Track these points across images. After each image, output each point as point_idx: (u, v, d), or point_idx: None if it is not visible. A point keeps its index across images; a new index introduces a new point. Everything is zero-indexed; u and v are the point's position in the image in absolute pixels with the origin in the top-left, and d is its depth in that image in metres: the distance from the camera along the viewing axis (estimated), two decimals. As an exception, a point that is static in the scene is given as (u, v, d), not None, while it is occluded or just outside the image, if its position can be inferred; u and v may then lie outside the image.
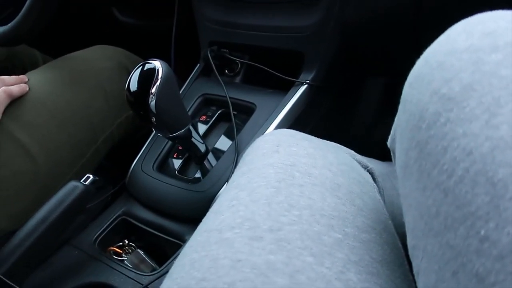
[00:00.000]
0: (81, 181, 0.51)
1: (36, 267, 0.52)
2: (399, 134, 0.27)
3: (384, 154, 0.63)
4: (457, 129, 0.20)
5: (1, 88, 0.57)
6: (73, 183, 0.50)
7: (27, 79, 0.63)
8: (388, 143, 0.30)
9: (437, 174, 0.21)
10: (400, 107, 0.27)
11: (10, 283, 0.44)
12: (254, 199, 0.32)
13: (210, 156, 0.60)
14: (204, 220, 0.35)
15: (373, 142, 0.86)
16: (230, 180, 0.38)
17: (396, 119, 0.28)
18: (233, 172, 0.44)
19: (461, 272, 0.18)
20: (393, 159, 0.30)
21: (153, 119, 0.48)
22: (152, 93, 0.46)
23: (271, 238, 0.29)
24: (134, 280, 0.49)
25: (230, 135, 0.64)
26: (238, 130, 0.61)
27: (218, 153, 0.61)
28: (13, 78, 0.61)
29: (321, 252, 0.28)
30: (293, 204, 0.31)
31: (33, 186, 0.57)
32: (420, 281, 0.22)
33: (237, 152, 0.56)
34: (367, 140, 0.82)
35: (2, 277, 0.44)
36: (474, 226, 0.18)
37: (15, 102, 0.59)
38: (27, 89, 0.61)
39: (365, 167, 0.43)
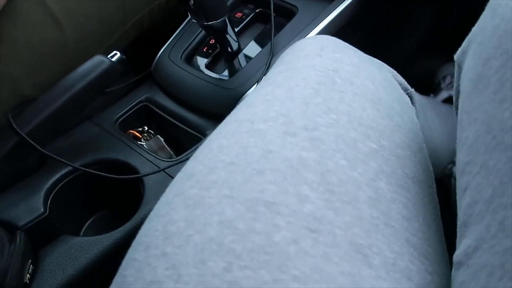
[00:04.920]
0: (108, 56, 0.49)
1: (57, 135, 0.53)
2: (477, 44, 0.24)
3: (419, 88, 0.61)
4: None
5: None
6: (100, 57, 0.49)
7: None
8: (456, 56, 0.28)
9: None
10: (486, 13, 0.24)
11: (32, 142, 0.45)
12: (291, 96, 0.31)
13: (241, 56, 0.58)
14: (234, 111, 0.34)
15: (411, 74, 0.82)
16: (265, 77, 0.37)
17: (474, 29, 0.26)
18: (264, 74, 0.42)
19: None
20: (456, 75, 0.27)
21: (191, 2, 0.45)
22: (193, -28, 0.43)
23: (305, 135, 0.28)
24: (152, 163, 0.49)
25: (263, 38, 0.60)
26: (274, 33, 0.57)
27: (248, 55, 0.59)
28: None
29: (354, 158, 0.27)
30: (331, 108, 0.30)
31: (59, 57, 0.56)
32: (467, 197, 0.21)
33: (272, 54, 0.53)
34: (406, 70, 0.78)
35: (25, 136, 0.44)
36: None
37: None
38: None
39: (406, 90, 0.42)
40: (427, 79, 0.92)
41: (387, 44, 0.75)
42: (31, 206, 0.44)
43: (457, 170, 0.23)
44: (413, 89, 0.42)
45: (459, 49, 0.27)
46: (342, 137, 0.28)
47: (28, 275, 0.39)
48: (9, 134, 0.46)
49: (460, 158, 0.23)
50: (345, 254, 0.22)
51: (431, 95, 0.89)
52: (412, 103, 0.42)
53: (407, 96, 0.41)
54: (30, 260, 0.40)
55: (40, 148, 0.45)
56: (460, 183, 0.22)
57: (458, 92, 0.26)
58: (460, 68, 0.27)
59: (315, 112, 0.30)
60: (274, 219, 0.23)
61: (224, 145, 0.29)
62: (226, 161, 0.27)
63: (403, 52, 0.82)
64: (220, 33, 0.52)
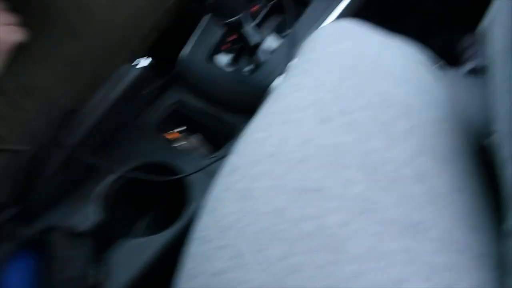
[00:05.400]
0: (138, 62, 0.52)
1: (101, 144, 0.55)
2: (506, 12, 0.24)
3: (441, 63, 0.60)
4: None
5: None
6: (130, 64, 0.51)
7: None
8: (483, 25, 0.28)
9: None
10: None
11: (80, 154, 0.47)
12: (320, 83, 0.32)
13: (263, 49, 0.59)
14: (267, 104, 0.35)
15: (432, 49, 0.81)
16: (291, 67, 0.38)
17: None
18: (289, 64, 0.43)
19: None
20: (485, 44, 0.28)
21: (209, 0, 0.46)
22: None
23: (340, 120, 0.29)
24: (192, 162, 0.51)
25: (283, 29, 0.61)
26: (293, 23, 0.58)
27: (270, 47, 0.60)
28: None
29: (392, 138, 0.28)
30: (362, 91, 0.31)
31: (85, 65, 0.58)
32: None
33: (294, 43, 0.54)
34: (426, 45, 0.77)
35: (73, 148, 0.47)
36: None
37: None
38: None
39: (431, 65, 0.42)
40: (448, 53, 0.90)
41: (405, 22, 0.74)
42: (88, 213, 0.47)
43: (499, 140, 0.23)
44: (438, 64, 0.42)
45: (486, 19, 0.27)
46: (376, 118, 0.29)
47: (94, 279, 0.42)
48: (57, 147, 0.49)
49: (501, 127, 0.23)
50: (397, 232, 0.23)
51: (454, 68, 0.87)
52: (439, 78, 0.42)
53: (433, 71, 0.41)
54: (94, 265, 0.43)
55: (88, 159, 0.48)
56: (504, 152, 0.22)
57: (489, 62, 0.26)
58: (488, 37, 0.27)
59: (346, 96, 0.30)
60: (322, 204, 0.24)
61: (262, 137, 0.30)
62: (267, 153, 0.28)
63: (422, 28, 0.80)
64: (240, 29, 0.54)
